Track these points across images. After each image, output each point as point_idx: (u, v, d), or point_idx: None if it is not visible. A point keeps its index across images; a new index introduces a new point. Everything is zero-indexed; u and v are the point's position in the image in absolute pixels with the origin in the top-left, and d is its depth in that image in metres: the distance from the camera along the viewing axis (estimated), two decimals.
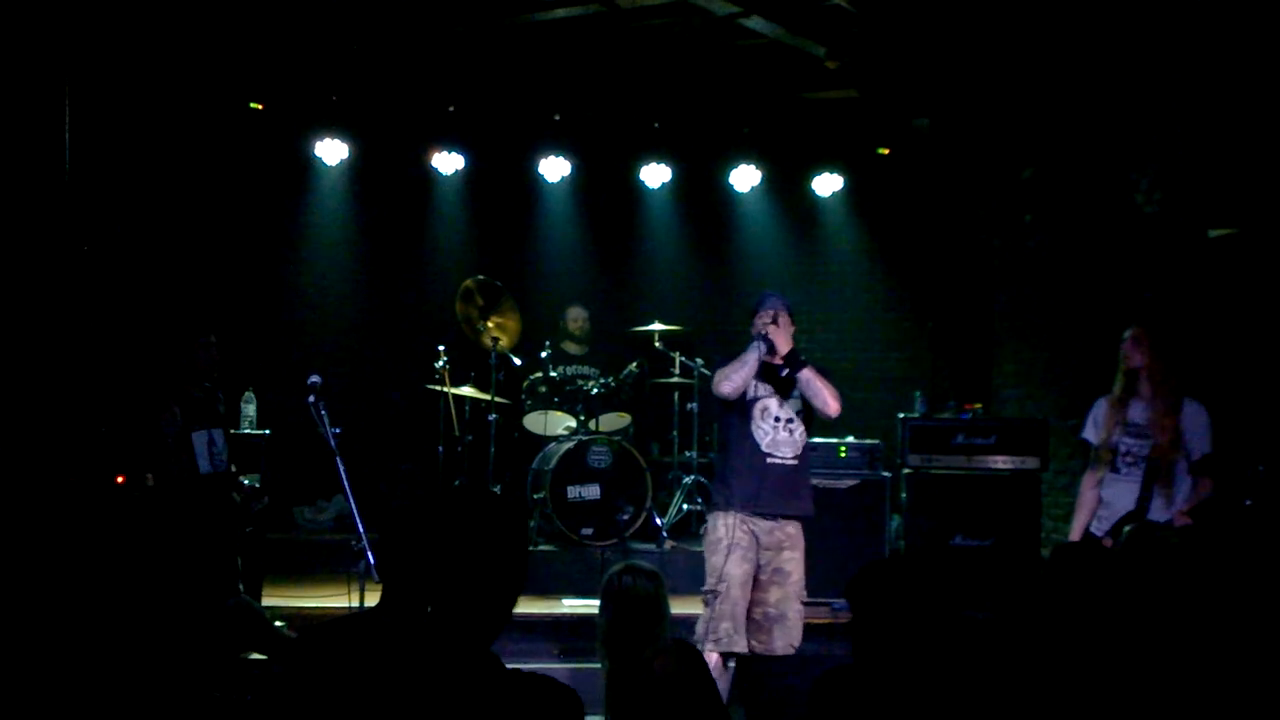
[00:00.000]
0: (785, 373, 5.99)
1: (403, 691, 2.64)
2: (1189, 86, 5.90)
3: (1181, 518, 5.66)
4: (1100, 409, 6.07)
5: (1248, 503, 5.54)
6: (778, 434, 6.00)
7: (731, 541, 5.83)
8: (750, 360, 5.92)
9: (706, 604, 5.89)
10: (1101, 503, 5.96)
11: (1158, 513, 5.71)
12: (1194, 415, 5.83)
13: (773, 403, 6.03)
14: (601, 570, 7.77)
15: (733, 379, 5.93)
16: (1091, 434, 6.10)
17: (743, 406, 6.01)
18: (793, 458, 6.03)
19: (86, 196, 7.96)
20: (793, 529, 5.98)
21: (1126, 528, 5.49)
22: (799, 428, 6.05)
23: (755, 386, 6.02)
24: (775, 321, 5.95)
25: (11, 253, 6.94)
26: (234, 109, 9.79)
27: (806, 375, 5.94)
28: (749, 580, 5.85)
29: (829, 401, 5.93)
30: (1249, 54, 5.77)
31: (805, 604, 5.99)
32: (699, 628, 5.88)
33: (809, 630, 6.05)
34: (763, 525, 5.91)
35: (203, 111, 9.72)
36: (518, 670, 2.73)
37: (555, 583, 8.34)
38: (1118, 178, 7.74)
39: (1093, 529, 5.91)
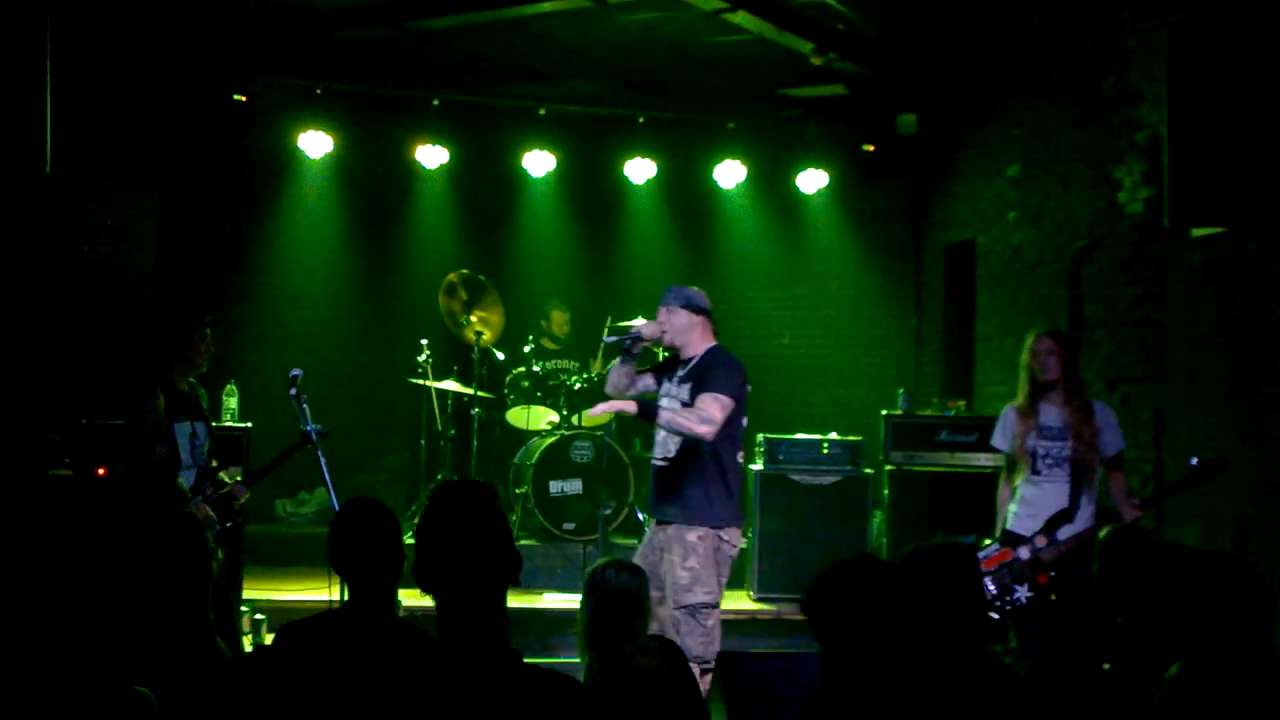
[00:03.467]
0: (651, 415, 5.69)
1: (399, 691, 2.59)
2: (1175, 85, 5.91)
3: (1132, 510, 5.77)
4: (1009, 417, 6.14)
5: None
6: (656, 433, 5.84)
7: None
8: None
9: None
10: (1024, 503, 6.02)
11: (1085, 508, 5.85)
12: (1105, 415, 6.02)
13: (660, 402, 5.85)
14: (583, 565, 7.80)
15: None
16: (1002, 442, 6.17)
17: None
18: (661, 459, 5.79)
19: (68, 189, 7.92)
20: (671, 531, 5.64)
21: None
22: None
23: (660, 384, 5.97)
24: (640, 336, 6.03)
25: None
26: (218, 101, 9.74)
27: (664, 419, 5.63)
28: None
29: (695, 432, 5.53)
30: (1235, 53, 5.79)
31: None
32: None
33: (802, 626, 5.80)
34: (654, 527, 5.81)
35: (186, 104, 9.67)
36: (536, 666, 2.65)
37: (537, 577, 8.35)
38: (1102, 176, 7.76)
39: (1014, 528, 5.96)
